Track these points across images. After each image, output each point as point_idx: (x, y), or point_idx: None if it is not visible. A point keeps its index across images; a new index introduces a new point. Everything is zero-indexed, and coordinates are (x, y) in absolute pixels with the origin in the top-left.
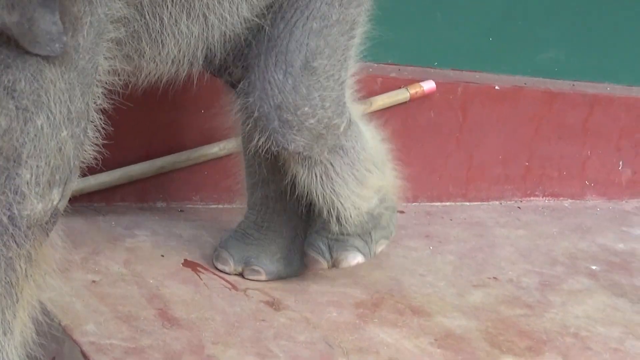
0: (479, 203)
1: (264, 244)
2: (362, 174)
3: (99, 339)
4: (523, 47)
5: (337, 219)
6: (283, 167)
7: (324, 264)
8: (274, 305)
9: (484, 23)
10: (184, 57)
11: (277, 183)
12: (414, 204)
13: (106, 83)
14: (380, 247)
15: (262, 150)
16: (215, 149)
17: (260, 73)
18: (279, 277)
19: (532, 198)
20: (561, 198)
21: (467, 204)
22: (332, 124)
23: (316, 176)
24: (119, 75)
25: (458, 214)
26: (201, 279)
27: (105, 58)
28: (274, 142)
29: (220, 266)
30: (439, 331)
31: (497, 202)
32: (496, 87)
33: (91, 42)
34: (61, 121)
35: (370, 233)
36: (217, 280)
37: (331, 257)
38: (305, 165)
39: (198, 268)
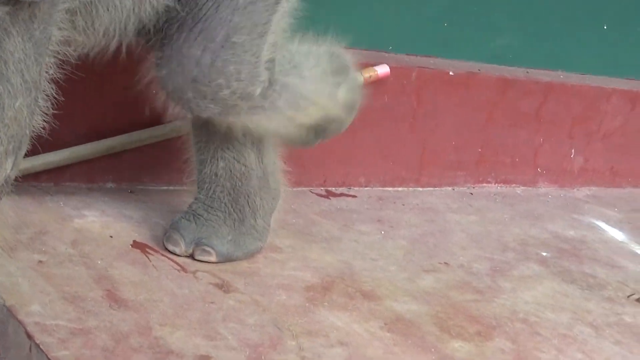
0: (431, 189)
1: (215, 225)
2: (290, 114)
3: (45, 319)
4: (478, 33)
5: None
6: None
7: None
8: (224, 287)
9: (439, 8)
10: (115, 30)
11: (226, 161)
12: (366, 188)
13: (58, 53)
14: (326, 140)
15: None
16: (166, 130)
17: (178, 48)
18: (230, 259)
19: (484, 184)
20: (513, 185)
21: (420, 189)
22: (247, 93)
23: (247, 120)
24: (70, 45)
25: (410, 199)
26: (150, 261)
27: (59, 29)
28: (189, 111)
29: (171, 247)
30: (389, 315)
31: (450, 188)
32: (450, 73)
33: (45, 12)
34: (18, 91)
35: (314, 135)
36: (166, 262)
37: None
38: (226, 120)
39: (147, 249)
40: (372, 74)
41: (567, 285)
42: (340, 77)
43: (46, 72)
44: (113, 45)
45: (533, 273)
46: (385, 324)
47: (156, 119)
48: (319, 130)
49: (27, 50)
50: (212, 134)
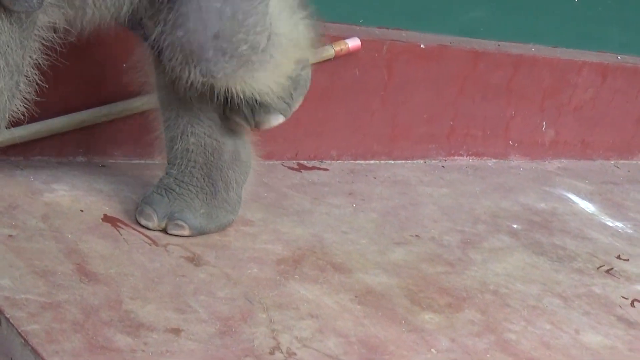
0: (403, 161)
1: (187, 199)
2: (276, 61)
3: (14, 293)
4: (449, 6)
5: (260, 102)
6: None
7: (247, 126)
8: (195, 261)
9: None
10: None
11: (196, 136)
12: (337, 161)
13: (43, 38)
14: (298, 104)
15: (184, 87)
16: (137, 103)
17: (197, 3)
18: (203, 233)
19: (456, 157)
20: (485, 158)
21: (392, 162)
22: (259, 47)
23: (235, 88)
24: (56, 31)
25: (382, 172)
26: (121, 235)
27: (45, 13)
28: (204, 73)
29: (143, 222)
30: (359, 288)
31: (422, 161)
32: (422, 46)
33: None
34: None
35: (291, 94)
36: (137, 236)
37: (254, 119)
38: (229, 82)
39: (118, 223)
40: (343, 47)
41: (537, 257)
42: (302, 11)
43: (30, 57)
44: (122, 14)
45: (504, 245)
46: (356, 296)
47: (127, 93)
48: (294, 84)
49: (12, 34)
50: (181, 110)
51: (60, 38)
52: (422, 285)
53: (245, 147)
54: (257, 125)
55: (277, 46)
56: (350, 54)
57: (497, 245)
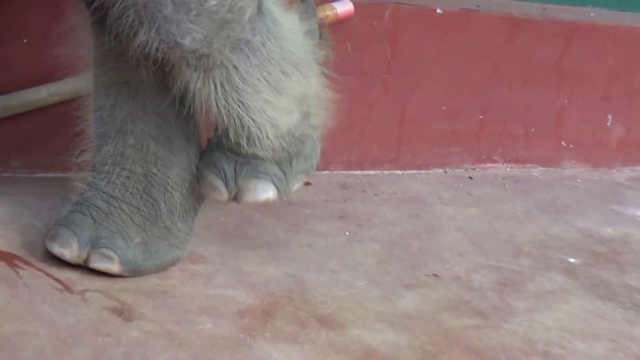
0: (414, 171)
1: (118, 221)
2: (278, 78)
3: None
4: None
5: (249, 139)
6: (169, 76)
7: (223, 193)
8: (124, 313)
9: None
10: None
11: (137, 136)
12: (324, 172)
13: None
14: (297, 184)
15: (145, 55)
16: (42, 94)
17: None
18: (136, 272)
19: (488, 165)
20: (528, 165)
21: (399, 172)
22: (238, 7)
23: (216, 85)
24: None
25: (386, 186)
26: (20, 277)
27: None
28: (164, 37)
29: (57, 250)
30: (356, 349)
31: (440, 170)
32: (438, 11)
33: None
34: None
35: (290, 162)
36: (42, 279)
37: (235, 184)
38: (200, 69)
39: (16, 261)
40: (329, 12)
41: (604, 303)
42: (313, 41)
43: None
44: None
45: (556, 287)
46: None
47: (29, 79)
48: (295, 147)
49: None
50: (121, 97)
51: None
52: (443, 344)
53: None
54: (236, 197)
55: (277, 39)
56: (340, 23)
57: (547, 287)
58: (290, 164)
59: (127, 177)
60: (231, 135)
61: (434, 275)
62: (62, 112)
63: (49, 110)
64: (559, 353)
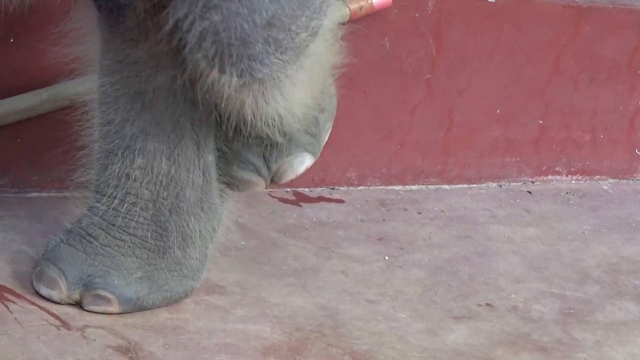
0: (464, 186)
1: (116, 254)
2: (313, 72)
3: None
4: None
5: (280, 130)
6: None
7: (259, 183)
8: (131, 352)
9: None
10: None
11: (147, 155)
12: (359, 187)
13: None
14: (327, 134)
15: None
16: (34, 101)
17: None
18: (141, 307)
19: (549, 177)
20: (596, 177)
21: (446, 187)
22: (318, 27)
23: (264, 99)
24: None
25: (431, 203)
26: (11, 312)
27: None
28: (241, 73)
29: (44, 291)
30: None
31: (495, 184)
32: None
33: None
34: None
35: (317, 119)
36: (36, 314)
37: (269, 170)
38: (255, 93)
39: (6, 294)
40: (363, 3)
41: None
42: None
43: None
44: None
45: (629, 317)
46: None
47: (19, 84)
48: (319, 105)
49: None
50: (134, 112)
51: None
52: None
53: (215, 187)
54: (275, 179)
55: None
56: (376, 15)
57: (618, 317)
58: (318, 120)
59: (133, 204)
60: (261, 132)
61: (487, 305)
62: (57, 121)
63: (42, 119)
64: None
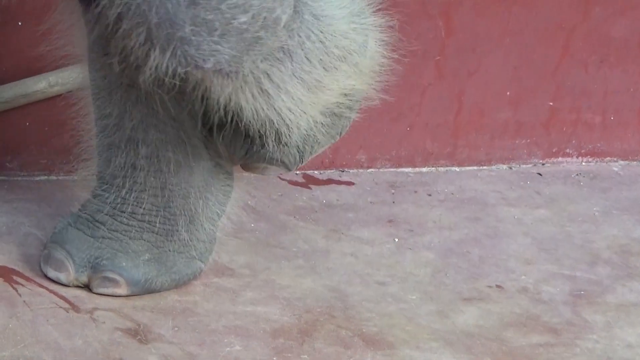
0: (474, 168)
1: (124, 238)
2: (317, 76)
3: None
4: None
5: (277, 138)
6: (187, 94)
7: (227, 164)
8: (140, 334)
9: None
10: None
11: (151, 145)
12: (369, 170)
13: None
14: (315, 155)
15: (158, 80)
16: (41, 84)
17: None
18: (149, 289)
19: (560, 159)
20: (607, 158)
21: (456, 169)
22: (273, 18)
23: (244, 95)
24: None
25: (441, 185)
26: (20, 295)
27: None
28: (182, 60)
29: (52, 273)
30: None
31: (505, 166)
32: None
33: None
34: None
35: (316, 140)
36: (45, 297)
37: (243, 158)
38: (228, 85)
39: (15, 277)
40: None
41: None
42: (366, 21)
43: None
44: None
45: None
46: None
47: (25, 68)
48: (336, 121)
49: None
50: (130, 104)
51: None
52: None
53: (222, 168)
54: (242, 167)
55: (319, 34)
56: None
57: (629, 298)
58: (315, 142)
59: (142, 190)
60: (254, 134)
61: (498, 286)
62: (65, 105)
63: (50, 102)
64: None
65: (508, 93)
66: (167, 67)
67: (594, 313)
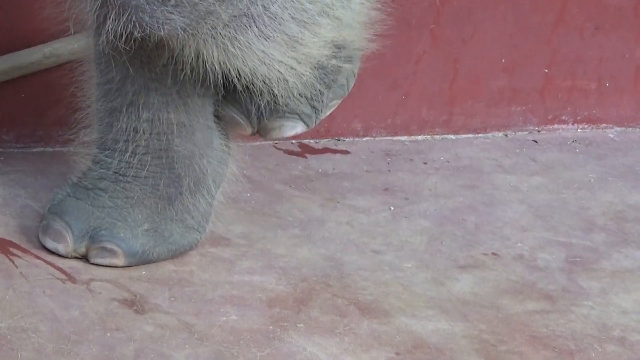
0: (469, 135)
1: (124, 206)
2: (292, 33)
3: None
4: None
5: (270, 92)
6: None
7: (247, 128)
8: (136, 305)
9: None
10: None
11: (153, 109)
12: (365, 138)
13: None
14: (329, 110)
15: (118, 40)
16: (37, 56)
17: None
18: (146, 260)
19: (555, 126)
20: (602, 125)
21: (452, 137)
22: None
23: (214, 54)
24: None
25: (436, 153)
26: (17, 266)
27: None
28: (137, 26)
29: (50, 244)
30: (403, 340)
31: (500, 134)
32: None
33: None
34: None
35: (322, 94)
36: (42, 268)
37: (258, 121)
38: (192, 46)
39: (12, 249)
40: None
41: None
42: None
43: None
44: None
45: (635, 265)
46: (398, 353)
47: (22, 39)
48: (326, 80)
49: None
50: (133, 69)
51: None
52: (504, 332)
53: (219, 129)
54: (260, 132)
55: (284, 5)
56: None
57: (624, 265)
58: (322, 95)
59: (144, 153)
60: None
61: (493, 254)
62: (61, 76)
63: (46, 74)
64: (638, 340)
65: (503, 60)
66: (123, 30)
67: (590, 279)
